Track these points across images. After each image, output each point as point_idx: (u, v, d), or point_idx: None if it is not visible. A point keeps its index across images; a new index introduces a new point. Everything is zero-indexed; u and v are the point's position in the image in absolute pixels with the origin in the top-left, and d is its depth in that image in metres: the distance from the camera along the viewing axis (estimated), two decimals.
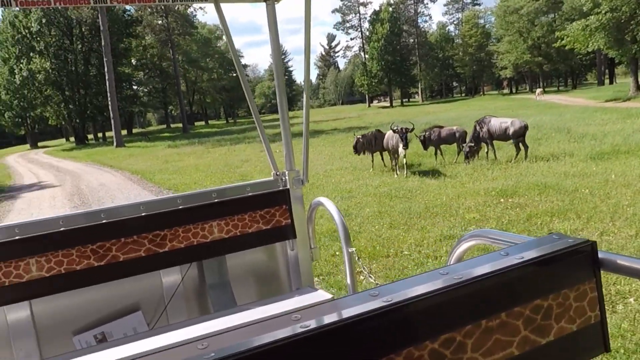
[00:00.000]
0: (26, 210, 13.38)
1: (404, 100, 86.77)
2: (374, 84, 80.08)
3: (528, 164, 11.69)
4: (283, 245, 3.00)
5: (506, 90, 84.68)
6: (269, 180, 2.93)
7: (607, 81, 61.39)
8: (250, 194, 2.84)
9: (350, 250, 2.63)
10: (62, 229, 2.43)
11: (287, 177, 2.89)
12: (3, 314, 2.40)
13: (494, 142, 13.12)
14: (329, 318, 0.98)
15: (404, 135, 11.72)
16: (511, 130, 12.47)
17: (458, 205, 8.44)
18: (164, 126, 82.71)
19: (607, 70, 62.51)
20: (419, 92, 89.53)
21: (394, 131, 12.08)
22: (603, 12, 28.70)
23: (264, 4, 2.74)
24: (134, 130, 72.89)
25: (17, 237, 2.36)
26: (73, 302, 2.55)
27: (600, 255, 1.22)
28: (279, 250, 3.02)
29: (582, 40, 32.77)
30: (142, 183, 16.36)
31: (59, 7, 45.53)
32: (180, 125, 65.78)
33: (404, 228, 7.46)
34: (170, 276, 2.75)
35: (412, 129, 12.25)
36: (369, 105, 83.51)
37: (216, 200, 2.76)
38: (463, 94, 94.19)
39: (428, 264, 5.82)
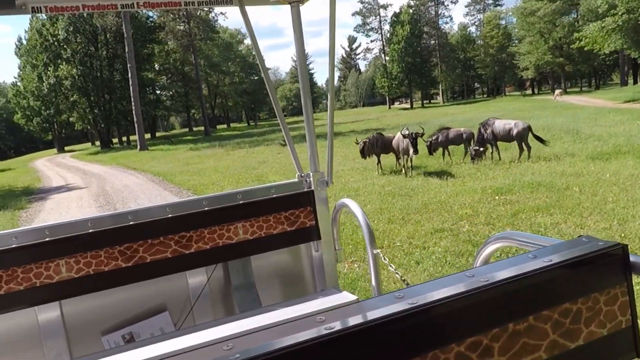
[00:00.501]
0: (55, 210, 14.23)
1: (425, 101, 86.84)
2: (394, 85, 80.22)
3: (529, 164, 12.14)
4: (307, 246, 3.02)
5: (528, 91, 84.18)
6: (293, 182, 2.93)
7: (631, 81, 60.80)
8: (275, 195, 2.85)
9: (375, 252, 2.63)
10: (90, 230, 2.48)
11: (311, 179, 2.90)
12: (34, 314, 2.44)
13: (499, 143, 13.60)
14: (354, 320, 0.99)
15: (414, 140, 12.21)
16: (514, 132, 12.93)
17: (454, 202, 8.98)
18: (187, 129, 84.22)
19: (631, 71, 61.90)
20: (440, 94, 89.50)
21: (404, 136, 12.53)
22: (619, 13, 28.75)
23: (287, 6, 2.75)
24: (158, 134, 74.44)
25: (47, 239, 2.40)
26: (101, 303, 2.59)
27: (631, 258, 1.21)
28: (303, 251, 3.04)
29: (600, 41, 32.83)
30: (163, 184, 17.14)
31: (86, 14, 47.01)
32: (203, 128, 67.00)
33: (401, 223, 8.03)
34: (196, 277, 2.78)
35: (422, 134, 12.74)
36: (390, 107, 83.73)
37: (241, 202, 2.78)
38: (485, 95, 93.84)
39: (416, 253, 6.39)
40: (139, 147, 40.32)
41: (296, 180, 2.94)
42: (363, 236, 7.19)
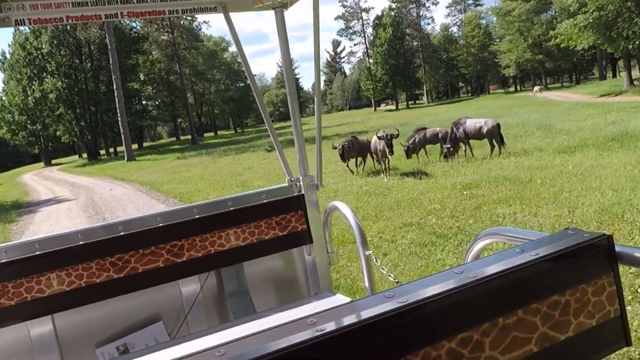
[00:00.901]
0: (46, 222, 14.62)
1: (410, 102, 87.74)
2: (379, 88, 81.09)
3: (499, 160, 12.75)
4: (300, 250, 3.02)
5: (511, 89, 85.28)
6: (283, 187, 2.93)
7: (610, 75, 62.05)
8: (265, 200, 2.85)
9: (367, 253, 2.61)
10: (81, 242, 2.46)
11: (301, 183, 2.90)
12: (26, 328, 2.41)
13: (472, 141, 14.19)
14: (345, 321, 1.00)
15: (389, 141, 12.74)
16: (485, 130, 13.54)
17: (424, 199, 9.52)
18: (174, 138, 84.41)
19: (610, 65, 63.17)
20: (425, 94, 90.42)
21: (380, 138, 13.06)
22: (590, 11, 29.58)
23: (271, 12, 2.75)
24: (145, 144, 74.49)
25: (37, 253, 2.38)
26: (94, 315, 2.57)
27: (617, 248, 1.23)
28: (296, 255, 3.04)
29: (575, 38, 33.66)
30: (151, 193, 17.56)
31: (69, 25, 47.18)
32: (190, 137, 67.32)
33: (374, 219, 8.57)
34: (190, 285, 2.77)
35: (397, 135, 13.27)
36: (375, 110, 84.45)
37: (232, 209, 2.77)
38: (469, 94, 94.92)
39: (384, 246, 6.92)
40: (126, 157, 40.63)
41: (286, 184, 2.96)
42: (351, 236, 7.65)
